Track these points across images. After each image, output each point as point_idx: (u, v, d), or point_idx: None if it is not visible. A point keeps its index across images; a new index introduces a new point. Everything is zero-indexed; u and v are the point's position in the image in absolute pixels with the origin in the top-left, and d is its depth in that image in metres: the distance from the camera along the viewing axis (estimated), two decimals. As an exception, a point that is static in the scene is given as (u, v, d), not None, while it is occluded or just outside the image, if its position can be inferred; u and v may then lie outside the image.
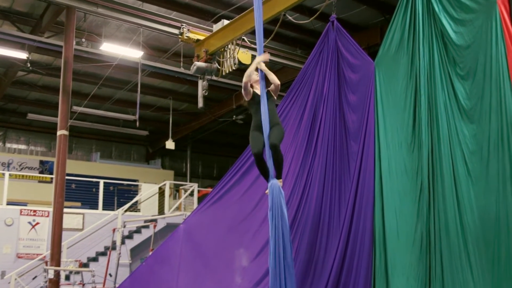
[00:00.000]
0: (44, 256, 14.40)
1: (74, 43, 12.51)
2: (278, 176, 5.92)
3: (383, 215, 6.73)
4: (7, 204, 15.46)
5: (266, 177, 5.96)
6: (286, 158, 7.77)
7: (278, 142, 5.88)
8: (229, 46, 10.06)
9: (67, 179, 12.63)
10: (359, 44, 7.72)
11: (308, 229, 7.37)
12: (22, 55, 13.61)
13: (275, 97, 6.20)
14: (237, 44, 9.93)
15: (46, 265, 12.32)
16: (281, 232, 5.61)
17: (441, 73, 6.35)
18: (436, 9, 6.38)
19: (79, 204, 18.05)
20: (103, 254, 15.73)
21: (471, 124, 6.08)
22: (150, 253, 11.72)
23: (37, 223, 15.51)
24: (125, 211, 16.78)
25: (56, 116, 12.49)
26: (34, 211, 15.61)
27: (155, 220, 15.33)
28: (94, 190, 18.15)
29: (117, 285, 11.29)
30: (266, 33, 9.28)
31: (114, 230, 14.57)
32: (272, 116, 5.97)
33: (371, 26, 13.99)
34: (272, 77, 6.07)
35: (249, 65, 6.48)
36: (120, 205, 17.57)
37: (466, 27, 6.17)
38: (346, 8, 12.75)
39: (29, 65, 13.90)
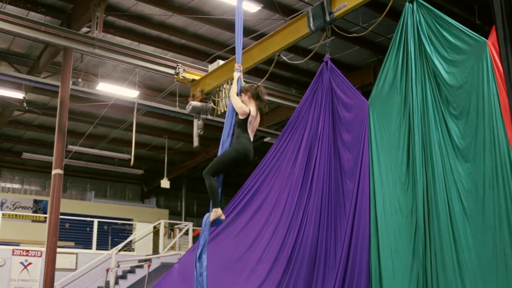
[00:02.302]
0: (36, 298, 14.17)
1: (71, 83, 12.62)
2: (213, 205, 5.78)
3: (379, 254, 6.69)
4: (-1, 244, 15.31)
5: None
6: (281, 197, 7.76)
7: (207, 170, 5.75)
8: (224, 86, 10.16)
9: (61, 219, 12.54)
10: (352, 84, 7.80)
11: (304, 268, 7.30)
12: (18, 95, 13.71)
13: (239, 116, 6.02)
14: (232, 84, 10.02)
15: (38, 306, 12.13)
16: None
17: (435, 113, 6.42)
18: (428, 50, 6.49)
19: (72, 243, 17.87)
20: (96, 295, 15.50)
21: (466, 163, 6.11)
22: (144, 294, 11.57)
23: (30, 263, 15.30)
24: (119, 250, 16.61)
25: (51, 155, 12.49)
26: (27, 251, 15.42)
27: (149, 260, 15.17)
28: (88, 229, 18.02)
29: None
30: (261, 73, 9.41)
31: (107, 270, 14.40)
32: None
33: (365, 66, 14.22)
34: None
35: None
36: (114, 244, 17.40)
37: (458, 67, 6.26)
38: (339, 48, 12.98)
39: (25, 105, 14.00)
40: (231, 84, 9.94)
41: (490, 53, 5.92)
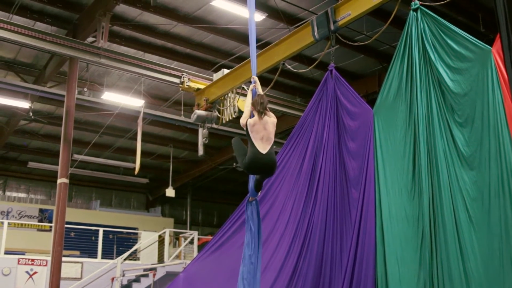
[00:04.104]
0: (41, 307, 14.15)
1: (76, 92, 12.67)
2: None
3: (385, 262, 6.66)
4: (5, 253, 15.28)
5: None
6: (287, 206, 7.76)
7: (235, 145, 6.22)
8: (229, 95, 10.18)
9: (66, 228, 12.54)
10: (357, 92, 7.82)
11: (310, 277, 7.28)
12: (24, 104, 13.76)
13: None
14: (237, 93, 10.05)
15: (43, 316, 12.11)
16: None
17: (440, 121, 6.42)
18: (433, 58, 6.50)
19: (77, 252, 17.87)
20: (101, 304, 15.46)
21: (471, 171, 6.10)
22: (149, 303, 11.55)
23: (35, 273, 15.29)
24: (124, 259, 16.60)
25: (57, 164, 12.52)
26: (32, 260, 15.42)
27: (154, 269, 15.15)
28: (93, 238, 18.02)
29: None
30: (266, 82, 9.44)
31: (113, 279, 14.39)
32: None
33: (369, 74, 14.22)
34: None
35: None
36: (119, 253, 17.40)
37: (462, 75, 6.27)
38: (344, 57, 13.00)
39: (31, 114, 14.04)
40: (236, 92, 10.02)
41: (495, 60, 5.93)
